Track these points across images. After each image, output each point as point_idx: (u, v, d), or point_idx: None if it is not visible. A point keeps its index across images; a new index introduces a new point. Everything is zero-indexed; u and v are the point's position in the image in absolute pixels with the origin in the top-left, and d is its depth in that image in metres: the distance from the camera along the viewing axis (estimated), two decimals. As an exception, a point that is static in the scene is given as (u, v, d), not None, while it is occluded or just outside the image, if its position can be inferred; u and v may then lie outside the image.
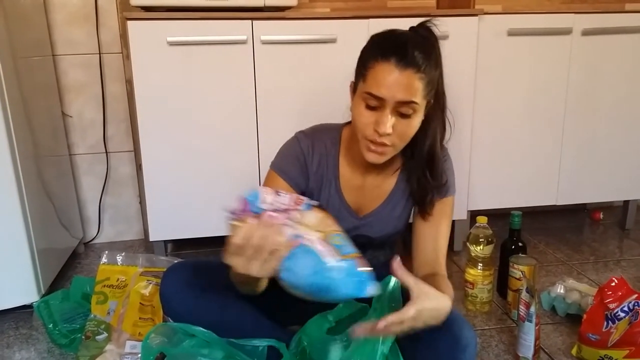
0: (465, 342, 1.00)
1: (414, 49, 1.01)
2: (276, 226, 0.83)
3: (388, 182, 1.23)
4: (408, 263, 1.12)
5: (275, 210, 0.86)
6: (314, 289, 0.84)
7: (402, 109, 1.02)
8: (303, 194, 1.16)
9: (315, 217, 0.89)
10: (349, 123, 1.20)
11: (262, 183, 1.18)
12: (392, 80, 1.00)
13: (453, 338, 1.00)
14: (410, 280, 0.90)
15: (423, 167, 1.16)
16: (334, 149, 1.20)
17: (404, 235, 1.31)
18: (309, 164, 1.18)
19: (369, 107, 1.04)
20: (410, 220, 1.27)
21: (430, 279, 1.10)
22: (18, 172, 1.46)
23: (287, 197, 0.89)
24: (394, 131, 1.04)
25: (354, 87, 1.11)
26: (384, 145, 1.05)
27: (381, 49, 1.03)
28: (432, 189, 1.17)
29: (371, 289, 0.85)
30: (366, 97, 1.03)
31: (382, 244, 1.28)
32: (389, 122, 1.02)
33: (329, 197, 1.20)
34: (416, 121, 1.06)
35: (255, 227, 0.81)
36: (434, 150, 1.14)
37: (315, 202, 0.91)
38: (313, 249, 0.84)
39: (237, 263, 0.82)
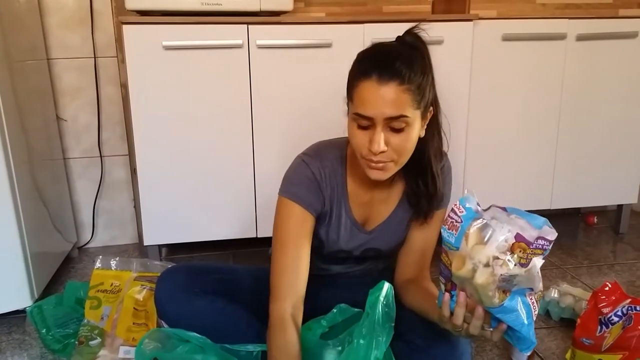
0: (462, 350, 1.01)
1: (395, 60, 0.97)
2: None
3: (394, 195, 1.19)
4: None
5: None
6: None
7: (393, 124, 0.98)
8: (317, 219, 1.13)
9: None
10: None
11: (275, 214, 1.14)
12: (376, 97, 0.96)
13: (450, 346, 1.00)
14: None
15: (417, 175, 1.13)
16: (341, 168, 1.15)
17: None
18: (322, 188, 1.13)
19: (361, 127, 1.01)
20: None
21: (420, 288, 1.12)
22: (12, 176, 1.46)
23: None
24: (390, 147, 1.00)
25: (347, 109, 1.07)
26: (382, 162, 1.02)
27: (363, 67, 1.00)
28: (426, 197, 1.14)
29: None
30: (356, 118, 1.00)
31: (389, 255, 1.26)
32: (381, 140, 0.98)
33: (340, 216, 1.16)
34: (413, 133, 1.01)
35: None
36: (428, 158, 1.11)
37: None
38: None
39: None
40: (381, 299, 0.96)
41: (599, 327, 1.27)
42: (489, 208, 0.87)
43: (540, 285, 0.82)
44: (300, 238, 1.09)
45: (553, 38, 1.88)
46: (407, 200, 1.18)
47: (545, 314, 1.57)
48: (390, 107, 0.96)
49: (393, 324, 0.96)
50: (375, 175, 1.04)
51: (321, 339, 1.07)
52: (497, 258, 0.80)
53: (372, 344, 0.92)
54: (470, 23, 1.77)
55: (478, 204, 0.87)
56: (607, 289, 1.30)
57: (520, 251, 0.80)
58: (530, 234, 0.80)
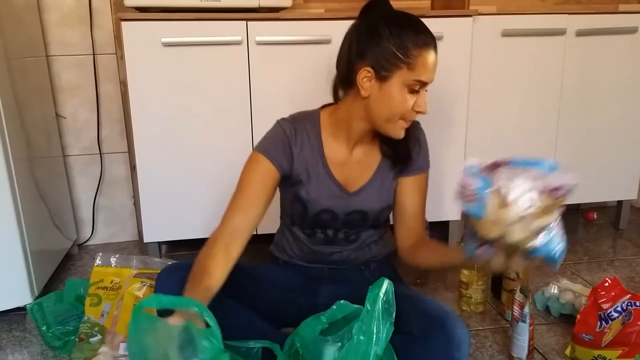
0: (459, 340, 1.01)
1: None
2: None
3: (372, 157, 1.26)
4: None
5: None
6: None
7: (428, 87, 1.13)
8: (287, 176, 1.22)
9: None
10: (324, 107, 1.27)
11: (244, 166, 1.22)
12: (434, 65, 1.11)
13: (446, 336, 1.01)
14: None
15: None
16: (315, 129, 1.24)
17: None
18: (292, 145, 1.21)
19: (412, 92, 1.11)
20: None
21: (427, 245, 1.27)
22: (11, 174, 1.46)
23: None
24: None
25: (382, 75, 1.10)
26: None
27: (421, 37, 1.09)
28: (403, 147, 1.24)
29: None
30: (413, 84, 1.10)
31: (376, 222, 1.30)
32: (427, 101, 1.13)
33: (318, 175, 1.22)
34: None
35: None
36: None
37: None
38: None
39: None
40: (381, 295, 0.96)
41: (599, 323, 1.27)
42: (495, 166, 0.92)
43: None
44: (260, 187, 1.18)
45: (553, 34, 1.87)
46: (387, 162, 1.26)
47: (545, 310, 1.57)
48: (435, 73, 1.13)
49: (393, 320, 0.97)
50: (403, 133, 1.17)
51: (321, 335, 1.07)
52: (523, 216, 0.85)
53: (372, 340, 0.93)
54: (470, 19, 1.76)
55: (482, 168, 0.93)
56: (606, 284, 1.30)
57: (544, 200, 0.85)
58: (547, 182, 0.86)
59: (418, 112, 1.13)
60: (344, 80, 1.18)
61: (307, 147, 1.22)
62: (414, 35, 1.09)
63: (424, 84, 1.11)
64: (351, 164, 1.25)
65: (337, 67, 1.20)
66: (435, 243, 1.29)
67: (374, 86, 1.12)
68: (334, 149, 1.24)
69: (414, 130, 1.26)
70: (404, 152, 1.25)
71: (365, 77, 1.12)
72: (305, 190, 1.22)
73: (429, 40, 1.10)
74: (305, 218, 1.25)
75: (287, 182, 1.24)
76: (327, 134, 1.24)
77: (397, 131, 1.16)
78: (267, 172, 1.19)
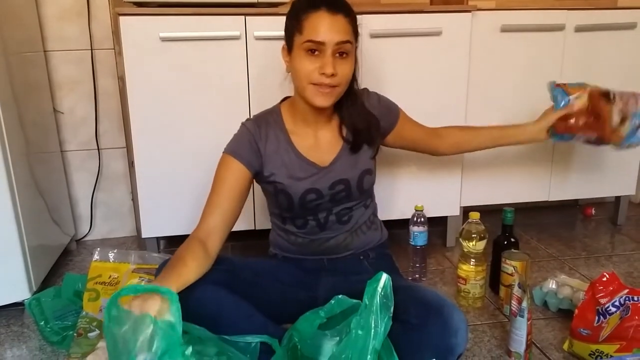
0: (456, 326, 1.02)
1: None
2: None
3: (336, 137, 1.32)
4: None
5: None
6: None
7: (340, 50, 1.17)
8: (259, 172, 1.28)
9: None
10: (283, 100, 1.36)
11: (216, 169, 1.28)
12: (327, 25, 1.15)
13: (443, 323, 1.02)
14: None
15: (349, 108, 1.29)
16: (278, 121, 1.31)
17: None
18: (258, 141, 1.27)
19: (311, 53, 1.17)
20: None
21: (467, 131, 1.55)
22: (9, 169, 1.45)
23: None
24: (337, 72, 1.17)
25: (289, 47, 1.22)
26: (330, 86, 1.18)
27: (310, 2, 1.17)
28: (363, 125, 1.30)
29: None
30: (307, 45, 1.16)
31: (361, 190, 1.33)
32: (331, 62, 1.15)
33: (291, 161, 1.28)
34: (351, 62, 1.21)
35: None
36: (356, 90, 1.30)
37: None
38: None
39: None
40: (379, 289, 0.96)
41: (597, 318, 1.27)
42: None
43: None
44: (231, 186, 1.24)
45: (551, 29, 1.87)
46: (348, 142, 1.31)
47: (543, 305, 1.57)
48: (339, 33, 1.16)
49: (391, 315, 0.97)
50: (321, 100, 1.20)
51: (319, 330, 1.07)
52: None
53: (370, 335, 0.93)
54: (469, 14, 1.76)
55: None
56: (604, 279, 1.30)
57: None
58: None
59: (322, 74, 1.16)
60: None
61: (273, 139, 1.29)
62: (305, 3, 1.18)
63: (319, 44, 1.15)
64: (321, 143, 1.31)
65: None
66: (472, 128, 1.54)
67: (287, 59, 1.24)
68: (300, 135, 1.30)
69: (367, 104, 1.33)
70: (366, 135, 1.31)
71: (284, 55, 1.25)
72: (282, 179, 1.27)
73: (320, 4, 1.15)
74: (293, 207, 1.28)
75: (262, 178, 1.29)
76: (290, 123, 1.31)
77: (312, 97, 1.20)
78: (237, 172, 1.25)
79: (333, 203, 1.30)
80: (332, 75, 1.16)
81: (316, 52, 1.16)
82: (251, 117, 1.35)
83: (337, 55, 1.17)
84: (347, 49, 1.18)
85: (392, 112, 1.40)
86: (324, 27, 1.15)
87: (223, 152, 1.28)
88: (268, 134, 1.29)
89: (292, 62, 1.22)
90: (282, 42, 1.26)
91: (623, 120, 1.34)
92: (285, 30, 1.23)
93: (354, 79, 1.27)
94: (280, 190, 1.28)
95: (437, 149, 1.52)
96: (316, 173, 1.28)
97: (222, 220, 1.22)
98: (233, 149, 1.27)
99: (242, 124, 1.32)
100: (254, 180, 1.33)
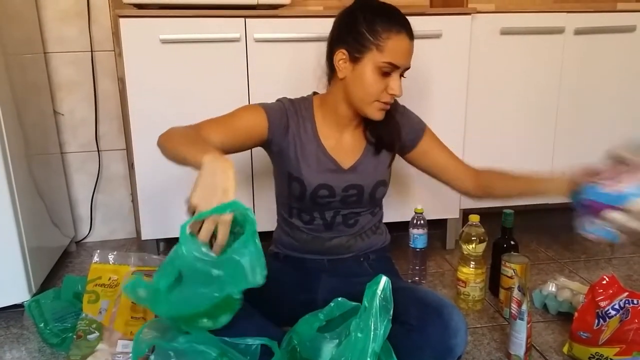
0: (456, 327, 1.02)
1: (409, 22, 1.19)
2: None
3: (360, 141, 1.33)
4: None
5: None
6: None
7: (404, 73, 1.21)
8: (274, 144, 1.27)
9: None
10: (315, 94, 1.34)
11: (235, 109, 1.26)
12: (407, 51, 1.18)
13: (443, 323, 1.02)
14: None
15: (380, 124, 1.28)
16: (309, 112, 1.30)
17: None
18: (290, 118, 1.27)
19: (384, 74, 1.18)
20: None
21: (495, 175, 1.37)
22: (9, 171, 1.45)
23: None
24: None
25: (355, 56, 1.19)
26: (389, 103, 1.22)
27: (392, 23, 1.17)
28: (386, 131, 1.31)
29: None
30: (383, 66, 1.16)
31: (372, 199, 1.33)
32: (400, 86, 1.19)
33: (314, 153, 1.28)
34: None
35: None
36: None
37: None
38: None
39: None
40: (379, 292, 0.96)
41: (596, 321, 1.27)
42: (594, 173, 1.14)
43: None
44: (244, 126, 1.23)
45: (551, 32, 1.87)
46: (371, 144, 1.32)
47: (543, 308, 1.57)
48: (410, 60, 1.20)
49: (390, 317, 0.97)
50: (380, 115, 1.23)
51: (318, 332, 1.07)
52: None
53: (369, 337, 0.93)
54: (469, 17, 1.76)
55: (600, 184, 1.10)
56: (604, 282, 1.30)
57: None
58: None
59: (391, 95, 1.19)
60: (328, 65, 1.27)
61: (302, 127, 1.29)
62: (385, 19, 1.17)
63: (395, 67, 1.17)
64: (343, 145, 1.32)
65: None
66: (502, 171, 1.37)
67: (348, 67, 1.21)
68: (326, 132, 1.30)
69: (396, 114, 1.32)
70: (387, 139, 1.31)
71: (341, 59, 1.21)
72: (300, 167, 1.27)
73: (401, 26, 1.17)
74: (304, 198, 1.28)
75: (275, 154, 1.30)
76: (319, 117, 1.30)
77: (374, 112, 1.22)
78: (258, 121, 1.24)
79: (343, 205, 1.31)
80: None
81: (388, 72, 1.18)
82: (285, 98, 1.33)
83: (400, 77, 1.21)
84: (404, 75, 1.22)
85: (416, 125, 1.37)
86: (405, 53, 1.18)
87: (256, 104, 1.27)
88: (299, 120, 1.29)
89: (356, 72, 1.20)
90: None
91: None
92: (353, 39, 1.19)
93: None
94: (295, 177, 1.27)
95: (464, 183, 1.39)
96: (335, 171, 1.29)
97: (218, 137, 1.17)
98: (265, 105, 1.26)
99: (278, 99, 1.32)
100: (268, 152, 1.33)
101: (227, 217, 0.90)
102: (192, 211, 0.92)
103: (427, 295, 1.11)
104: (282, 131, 1.26)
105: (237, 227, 0.94)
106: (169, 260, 0.95)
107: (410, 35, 1.18)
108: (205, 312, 0.97)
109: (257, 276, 0.91)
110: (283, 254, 1.38)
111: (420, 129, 1.37)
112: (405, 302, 1.06)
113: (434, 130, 1.41)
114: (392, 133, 1.32)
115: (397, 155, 1.39)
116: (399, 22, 1.17)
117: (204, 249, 0.90)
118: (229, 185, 0.93)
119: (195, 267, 0.91)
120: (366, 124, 1.32)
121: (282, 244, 1.38)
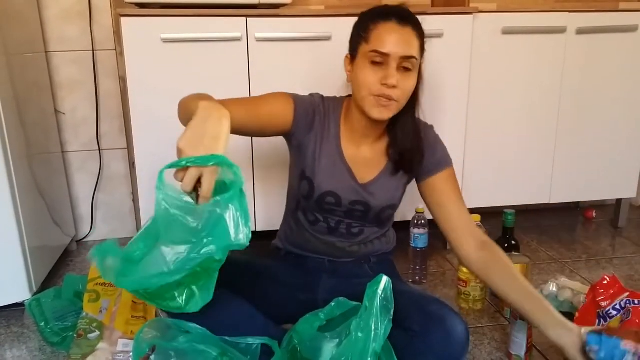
0: (459, 336, 1.02)
1: (409, 11, 1.15)
2: None
3: (380, 157, 1.28)
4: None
5: None
6: None
7: (404, 64, 1.12)
8: (295, 137, 1.23)
9: None
10: (348, 96, 1.28)
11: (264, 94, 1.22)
12: (395, 37, 1.11)
13: (446, 331, 1.01)
14: None
15: (401, 130, 1.23)
16: (336, 113, 1.26)
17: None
18: (317, 114, 1.24)
19: (375, 64, 1.12)
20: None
21: (496, 255, 1.20)
22: (10, 170, 1.45)
23: None
24: (398, 86, 1.12)
25: (353, 55, 1.19)
26: (390, 99, 1.13)
27: (380, 11, 1.14)
28: (408, 150, 1.24)
29: None
30: (372, 56, 1.12)
31: (377, 219, 1.30)
32: (395, 75, 1.11)
33: (332, 159, 1.24)
34: (414, 79, 1.16)
35: None
36: (413, 111, 1.23)
37: None
38: None
39: None
40: (379, 292, 0.96)
41: (597, 321, 1.27)
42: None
43: None
44: (269, 110, 1.18)
45: (553, 31, 1.87)
46: (392, 161, 1.26)
47: (544, 308, 1.57)
48: (405, 47, 1.11)
49: (391, 317, 0.97)
50: (378, 112, 1.15)
51: (319, 332, 1.07)
52: None
53: (370, 337, 0.93)
54: (470, 16, 1.76)
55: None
56: (605, 282, 1.30)
57: None
58: None
59: (384, 85, 1.12)
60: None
61: (326, 127, 1.25)
62: (376, 13, 1.15)
63: (384, 55, 1.11)
64: (361, 159, 1.27)
65: None
66: (509, 268, 1.18)
67: (351, 69, 1.20)
68: (347, 139, 1.26)
69: (423, 134, 1.26)
70: (408, 158, 1.25)
71: (347, 64, 1.22)
72: (315, 168, 1.24)
73: (390, 15, 1.12)
74: (311, 199, 1.26)
75: (294, 148, 1.27)
76: (343, 122, 1.27)
77: (371, 109, 1.15)
78: (285, 111, 1.20)
79: (347, 216, 1.28)
80: (394, 87, 1.12)
81: (380, 64, 1.12)
82: (320, 94, 1.29)
83: (402, 69, 1.13)
84: (411, 65, 1.13)
85: (441, 158, 1.28)
86: (392, 38, 1.11)
87: (286, 93, 1.23)
88: (325, 118, 1.25)
89: (354, 71, 1.18)
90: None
91: None
92: (351, 40, 1.19)
93: (415, 99, 1.21)
94: (307, 177, 1.25)
95: (464, 245, 1.24)
96: (349, 183, 1.25)
97: (241, 118, 1.10)
98: (296, 97, 1.22)
99: (311, 94, 1.27)
100: (288, 143, 1.30)
101: (213, 167, 0.85)
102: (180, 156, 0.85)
103: (430, 303, 1.09)
104: (306, 127, 1.23)
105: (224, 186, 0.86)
106: (145, 227, 0.88)
107: (403, 22, 1.12)
108: (177, 283, 0.85)
109: (239, 235, 0.82)
110: (285, 250, 1.37)
111: (443, 162, 1.28)
112: (408, 307, 1.05)
113: (436, 130, 1.40)
114: (415, 154, 1.24)
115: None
116: (389, 11, 1.14)
117: (184, 198, 0.83)
118: (221, 133, 0.90)
119: (170, 219, 0.82)
120: (391, 140, 1.26)
121: (287, 239, 1.38)
